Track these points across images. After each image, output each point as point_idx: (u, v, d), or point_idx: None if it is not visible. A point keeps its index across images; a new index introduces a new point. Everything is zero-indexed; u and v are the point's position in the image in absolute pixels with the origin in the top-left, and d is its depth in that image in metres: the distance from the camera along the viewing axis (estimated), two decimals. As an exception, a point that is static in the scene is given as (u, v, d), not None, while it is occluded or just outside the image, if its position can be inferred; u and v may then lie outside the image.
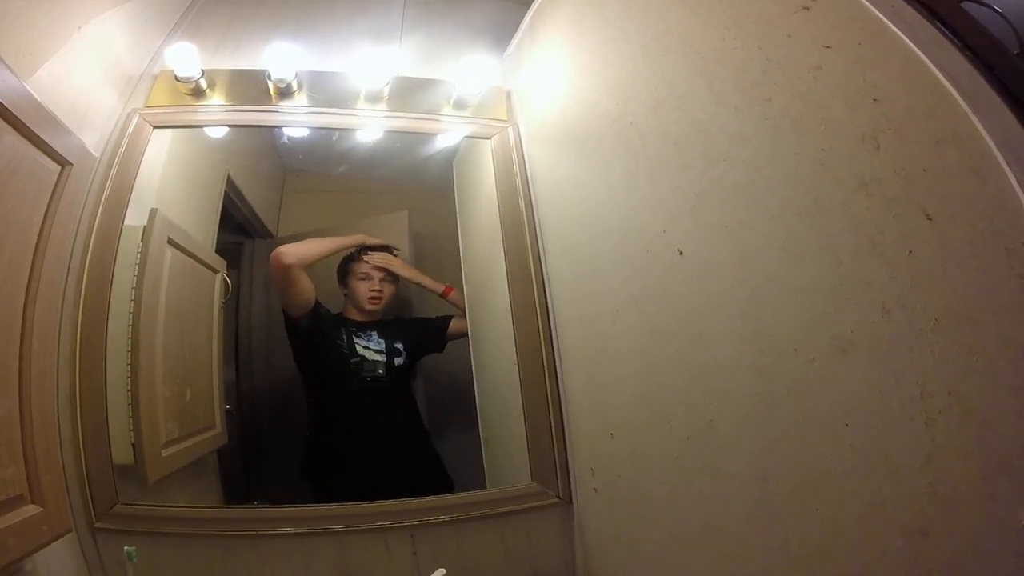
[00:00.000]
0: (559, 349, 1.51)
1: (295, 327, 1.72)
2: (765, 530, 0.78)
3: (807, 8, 0.64)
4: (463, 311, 1.77)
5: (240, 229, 1.80)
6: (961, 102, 0.53)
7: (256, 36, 1.78)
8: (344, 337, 1.73)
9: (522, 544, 1.49)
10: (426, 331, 1.82)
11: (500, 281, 1.62)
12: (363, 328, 1.76)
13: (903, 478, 0.58)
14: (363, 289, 1.77)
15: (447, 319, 1.78)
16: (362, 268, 1.78)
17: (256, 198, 1.86)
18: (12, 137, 0.98)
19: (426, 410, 1.79)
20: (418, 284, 1.82)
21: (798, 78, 0.66)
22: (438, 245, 1.88)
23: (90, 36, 1.36)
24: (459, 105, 1.76)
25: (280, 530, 1.39)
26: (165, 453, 1.43)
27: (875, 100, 0.59)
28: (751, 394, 0.78)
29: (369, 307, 1.77)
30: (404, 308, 1.86)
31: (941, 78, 0.54)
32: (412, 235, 1.88)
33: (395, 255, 1.81)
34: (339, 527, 1.40)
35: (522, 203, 1.64)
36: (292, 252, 1.66)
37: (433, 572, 1.31)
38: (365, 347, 1.73)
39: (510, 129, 1.74)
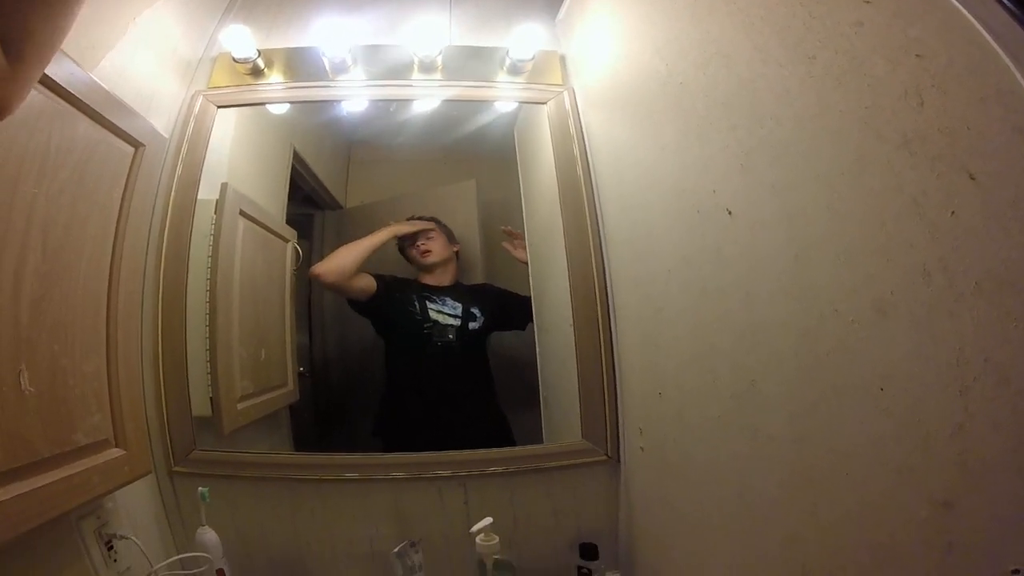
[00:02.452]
0: (614, 310, 1.52)
1: (364, 309, 1.79)
2: (798, 494, 0.79)
3: (846, -38, 0.63)
4: None
5: (309, 201, 1.87)
6: (1004, 57, 0.51)
7: (307, 14, 1.82)
8: (416, 303, 1.79)
9: (569, 500, 1.54)
10: (511, 306, 1.82)
11: (559, 245, 1.63)
12: (436, 293, 1.81)
13: (932, 446, 0.58)
14: (414, 253, 1.84)
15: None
16: (408, 237, 1.84)
17: (323, 170, 1.93)
18: (86, 123, 1.06)
19: (493, 370, 1.84)
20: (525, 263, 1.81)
21: (840, 34, 0.65)
22: (505, 212, 1.89)
23: (145, 26, 1.44)
24: (513, 71, 1.76)
25: (342, 475, 1.49)
26: (240, 407, 1.55)
27: (917, 56, 0.58)
28: (793, 355, 0.78)
29: (426, 261, 1.82)
30: (494, 277, 1.90)
31: (984, 32, 0.52)
32: (480, 203, 1.92)
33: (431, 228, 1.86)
34: (397, 475, 1.50)
35: (579, 167, 1.64)
36: (327, 270, 1.73)
37: (482, 520, 1.36)
38: (439, 311, 1.79)
39: (565, 93, 1.73)
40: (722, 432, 0.99)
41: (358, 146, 1.98)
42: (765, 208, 0.82)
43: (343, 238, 1.81)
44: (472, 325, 1.80)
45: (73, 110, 1.01)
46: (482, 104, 1.82)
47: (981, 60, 0.53)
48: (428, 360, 1.79)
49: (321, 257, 1.79)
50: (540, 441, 1.65)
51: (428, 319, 1.78)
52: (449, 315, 1.79)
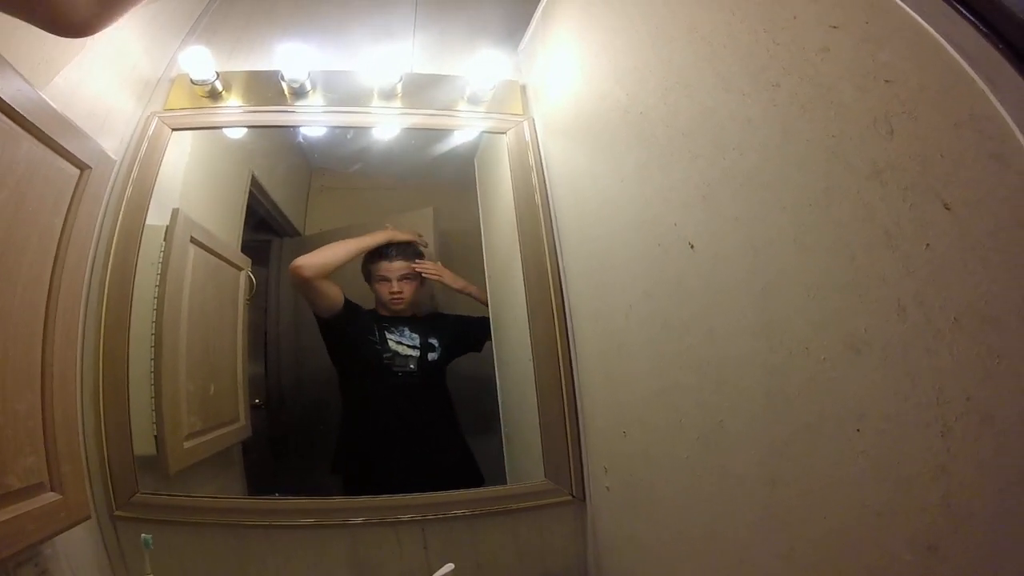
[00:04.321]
0: (575, 345, 1.48)
1: (327, 326, 1.73)
2: (772, 536, 0.75)
3: (812, -15, 0.61)
4: None
5: (266, 227, 1.82)
6: (978, 80, 0.48)
7: (270, 37, 1.79)
8: (377, 332, 1.74)
9: (534, 541, 1.48)
10: (467, 329, 1.80)
11: (519, 277, 1.60)
12: (395, 324, 1.76)
13: (914, 488, 0.54)
14: (384, 291, 1.77)
15: (488, 320, 1.76)
16: (380, 270, 1.77)
17: (281, 196, 1.88)
18: (29, 143, 1.00)
19: (455, 403, 1.79)
20: (467, 294, 1.79)
21: (805, 60, 0.62)
22: (463, 241, 1.87)
23: (104, 43, 1.38)
24: (473, 100, 1.74)
25: (293, 521, 1.41)
26: (187, 445, 1.46)
27: (887, 81, 0.55)
28: (762, 394, 0.74)
29: (393, 307, 1.77)
30: (445, 304, 1.87)
31: (955, 55, 0.50)
32: (438, 232, 1.88)
33: (423, 247, 1.81)
34: (354, 520, 1.42)
35: (538, 198, 1.62)
36: (310, 264, 1.66)
37: (443, 567, 1.30)
38: (398, 342, 1.73)
39: (525, 123, 1.71)
40: (690, 472, 0.95)
41: (317, 172, 1.95)
42: (728, 241, 0.79)
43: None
44: (431, 356, 1.75)
45: (17, 128, 0.96)
46: (442, 132, 1.80)
47: (954, 84, 0.50)
48: (387, 391, 1.73)
49: (279, 286, 1.75)
50: (503, 475, 1.61)
51: (388, 349, 1.72)
52: (408, 346, 1.74)
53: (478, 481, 1.63)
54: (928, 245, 0.53)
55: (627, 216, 1.10)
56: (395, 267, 1.77)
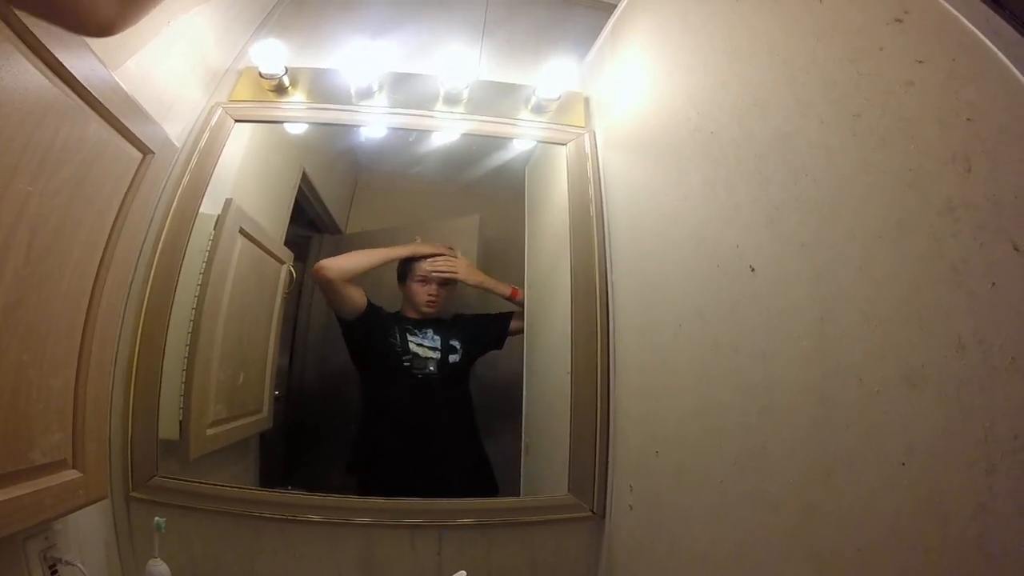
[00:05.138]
0: (615, 359, 1.48)
1: (348, 327, 1.75)
2: (800, 564, 0.75)
3: (900, 20, 0.61)
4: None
5: (310, 223, 1.86)
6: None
7: (341, 36, 1.82)
8: (398, 335, 1.76)
9: (548, 555, 1.48)
10: (486, 327, 1.82)
11: (562, 288, 1.61)
12: (419, 326, 1.78)
13: (951, 525, 0.54)
14: (421, 293, 1.79)
15: (508, 315, 1.79)
16: (421, 270, 1.80)
17: (328, 194, 1.91)
18: (97, 124, 1.00)
19: (473, 407, 1.80)
20: (486, 290, 1.82)
21: (889, 92, 0.63)
22: (506, 249, 1.89)
23: (179, 30, 1.42)
24: (537, 110, 1.77)
25: (308, 517, 1.41)
26: (210, 432, 1.48)
27: (968, 119, 0.56)
28: (808, 420, 0.74)
29: (426, 310, 1.79)
30: (464, 306, 1.87)
31: (1041, 99, 0.50)
32: (482, 239, 1.90)
33: (452, 255, 1.83)
34: (367, 520, 1.42)
35: (593, 210, 1.62)
36: (333, 267, 1.70)
37: (455, 574, 1.29)
38: (419, 344, 1.75)
39: (586, 135, 1.73)
40: (723, 494, 0.95)
41: (366, 173, 1.99)
42: (791, 266, 0.80)
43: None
44: (452, 358, 1.77)
45: (87, 108, 0.96)
46: (499, 140, 1.82)
47: (1036, 128, 0.51)
48: (405, 394, 1.75)
49: (314, 282, 1.77)
50: (517, 485, 1.61)
51: (408, 351, 1.74)
52: (429, 348, 1.76)
53: (492, 489, 1.64)
54: (994, 284, 0.53)
55: (685, 234, 1.11)
56: (439, 272, 1.80)
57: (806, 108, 0.75)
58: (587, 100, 1.80)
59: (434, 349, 1.76)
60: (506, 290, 1.79)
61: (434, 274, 1.79)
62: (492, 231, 1.92)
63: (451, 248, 1.83)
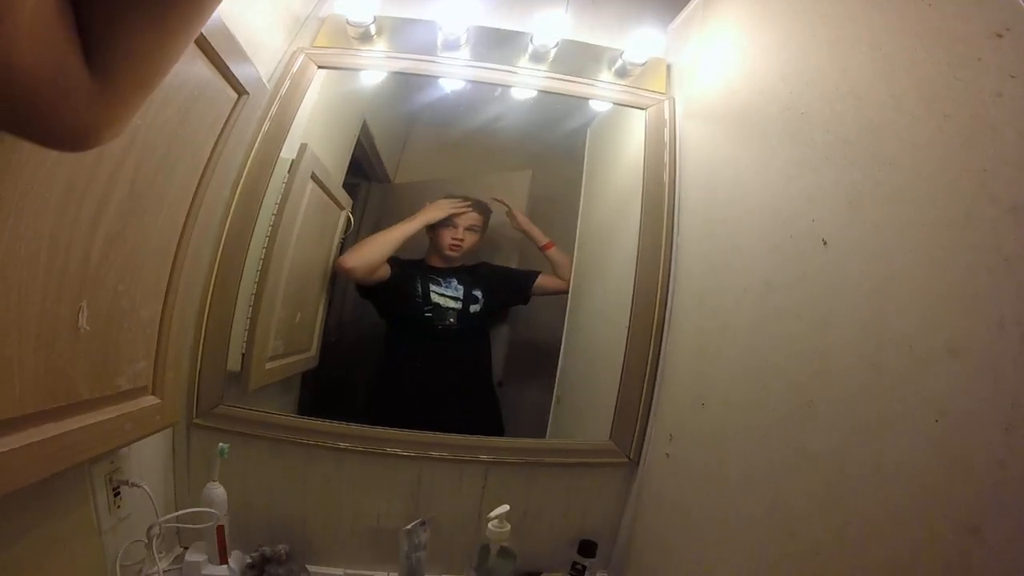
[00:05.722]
0: (669, 320, 1.57)
1: (368, 292, 1.82)
2: (829, 512, 0.85)
3: (1000, 35, 0.68)
4: (555, 269, 1.83)
5: (361, 171, 1.91)
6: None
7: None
8: (419, 285, 1.82)
9: (581, 497, 1.59)
10: (510, 282, 1.88)
11: (623, 249, 1.66)
12: (442, 275, 1.84)
13: (972, 476, 0.64)
14: (446, 236, 1.85)
15: (534, 274, 1.85)
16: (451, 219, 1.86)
17: (382, 144, 1.96)
18: (203, 63, 1.01)
19: (506, 359, 1.90)
20: (526, 232, 1.87)
21: (979, 100, 0.70)
22: (554, 208, 1.93)
23: None
24: (621, 73, 1.78)
25: (368, 448, 1.51)
26: (268, 366, 1.56)
27: (1047, 134, 0.64)
28: (856, 383, 0.84)
29: (448, 253, 1.84)
30: (491, 255, 1.95)
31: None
32: (532, 195, 1.94)
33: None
34: (421, 453, 1.52)
35: (667, 176, 1.67)
36: (359, 265, 1.73)
37: (498, 506, 1.37)
38: (441, 294, 1.82)
39: (666, 102, 1.75)
40: (764, 446, 1.05)
41: (422, 124, 2.01)
42: (863, 244, 0.87)
43: (384, 211, 1.87)
44: (473, 308, 1.83)
45: (195, 47, 0.95)
46: (573, 100, 1.81)
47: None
48: (425, 342, 1.83)
49: (359, 229, 1.83)
50: (544, 434, 1.70)
51: (429, 302, 1.81)
52: (451, 298, 1.81)
53: (498, 433, 1.73)
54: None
55: (762, 206, 1.18)
56: (465, 217, 1.86)
57: (900, 103, 0.82)
58: (669, 67, 1.81)
59: (456, 299, 1.82)
60: (543, 239, 1.85)
61: (484, 228, 1.86)
62: (542, 188, 1.95)
63: (467, 199, 1.87)
